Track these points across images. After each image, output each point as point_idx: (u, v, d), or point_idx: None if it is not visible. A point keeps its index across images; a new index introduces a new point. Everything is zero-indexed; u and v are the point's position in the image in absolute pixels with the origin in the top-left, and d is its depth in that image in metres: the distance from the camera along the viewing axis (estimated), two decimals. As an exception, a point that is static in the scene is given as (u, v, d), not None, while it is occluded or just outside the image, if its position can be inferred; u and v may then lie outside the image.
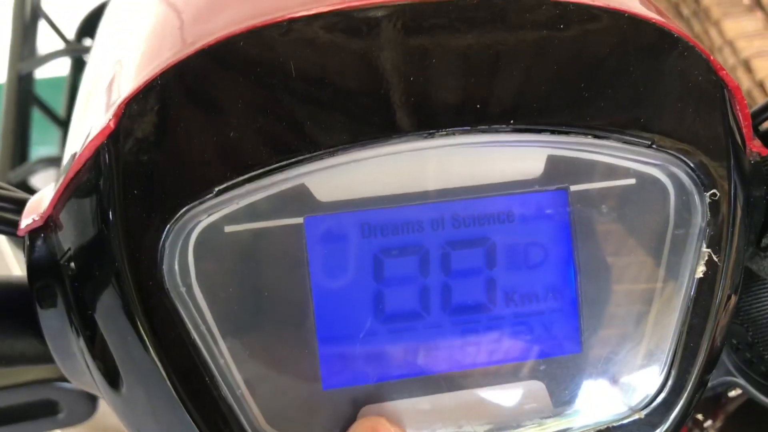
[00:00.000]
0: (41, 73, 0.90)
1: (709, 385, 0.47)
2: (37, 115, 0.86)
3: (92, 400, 0.56)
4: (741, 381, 0.46)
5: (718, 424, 0.56)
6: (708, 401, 0.55)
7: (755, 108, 0.45)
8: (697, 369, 0.34)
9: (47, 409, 0.56)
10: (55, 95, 0.94)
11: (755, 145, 0.38)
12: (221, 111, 0.30)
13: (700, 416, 0.56)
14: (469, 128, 0.31)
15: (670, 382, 0.34)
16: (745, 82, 1.29)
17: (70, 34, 0.95)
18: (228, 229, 0.31)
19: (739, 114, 0.35)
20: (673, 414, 0.34)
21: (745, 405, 0.60)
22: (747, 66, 1.35)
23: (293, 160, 0.30)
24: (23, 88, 0.85)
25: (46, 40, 0.93)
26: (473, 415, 0.33)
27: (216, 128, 0.29)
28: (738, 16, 1.43)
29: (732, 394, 0.55)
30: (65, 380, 0.54)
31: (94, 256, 0.31)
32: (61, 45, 0.90)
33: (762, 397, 0.46)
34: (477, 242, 0.33)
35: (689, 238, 0.34)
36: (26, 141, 0.82)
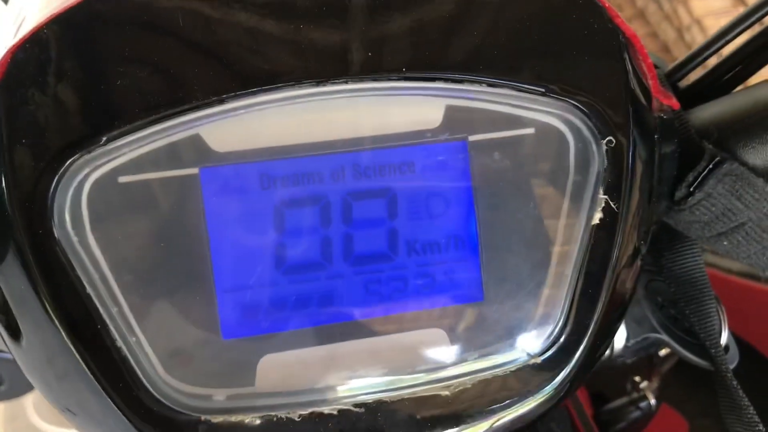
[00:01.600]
0: None
1: (636, 342, 0.48)
2: None
3: (33, 370, 0.56)
4: (666, 338, 0.47)
5: (654, 384, 0.57)
6: (641, 362, 0.56)
7: (672, 65, 0.45)
8: (596, 316, 0.34)
9: (-13, 381, 0.56)
10: None
11: (667, 100, 0.39)
12: (108, 59, 0.30)
13: (637, 378, 0.56)
14: (360, 76, 0.31)
15: (568, 329, 0.34)
16: (711, 59, 1.28)
17: None
18: (122, 179, 0.31)
19: (640, 65, 0.35)
20: (572, 360, 0.34)
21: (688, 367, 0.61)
22: (714, 43, 1.35)
23: (185, 107, 0.30)
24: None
25: None
26: (373, 363, 0.34)
27: (102, 76, 0.29)
28: (706, -6, 1.43)
29: (662, 353, 0.55)
30: (3, 351, 0.54)
31: (-13, 208, 0.31)
32: None
33: (686, 353, 0.46)
34: (378, 192, 0.33)
35: (587, 185, 0.34)
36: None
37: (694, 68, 0.44)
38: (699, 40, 1.33)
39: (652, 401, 0.55)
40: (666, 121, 0.38)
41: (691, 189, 0.39)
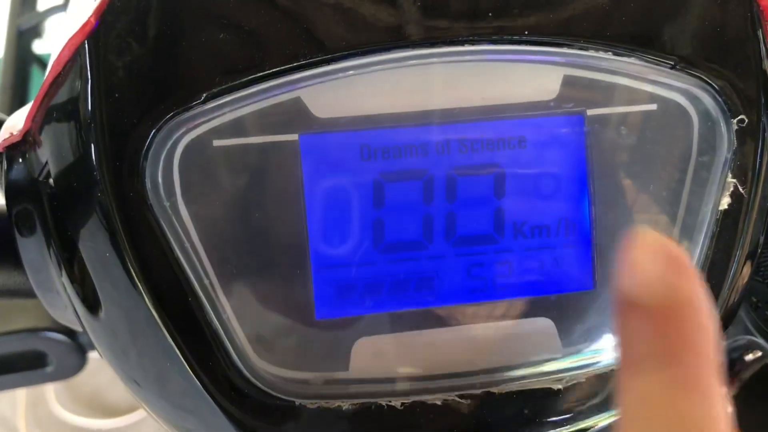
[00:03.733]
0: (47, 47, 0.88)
1: (726, 346, 0.45)
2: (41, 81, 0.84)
3: (81, 353, 0.54)
4: (762, 341, 0.44)
5: (733, 391, 0.53)
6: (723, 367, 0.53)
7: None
8: (720, 307, 0.32)
9: (36, 361, 0.54)
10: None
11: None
12: (211, 9, 0.27)
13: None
14: (479, 38, 0.29)
15: (689, 322, 0.31)
16: None
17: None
18: (217, 143, 0.29)
19: (771, 38, 0.32)
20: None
21: (757, 378, 0.58)
22: None
23: (287, 66, 0.28)
24: (22, 45, 0.83)
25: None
26: (476, 352, 0.31)
27: (205, 28, 0.27)
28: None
29: (749, 357, 0.52)
30: (54, 330, 0.52)
31: (72, 168, 0.28)
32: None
33: (781, 358, 0.43)
34: (485, 168, 0.31)
35: (714, 168, 0.31)
36: (25, 98, 0.79)
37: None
38: None
39: (729, 408, 0.52)
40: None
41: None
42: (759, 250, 0.34)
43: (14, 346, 0.52)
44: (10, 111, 0.33)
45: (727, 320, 0.33)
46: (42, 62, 0.88)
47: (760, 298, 0.44)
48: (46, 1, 0.88)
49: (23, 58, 0.81)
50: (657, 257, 0.26)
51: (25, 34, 0.81)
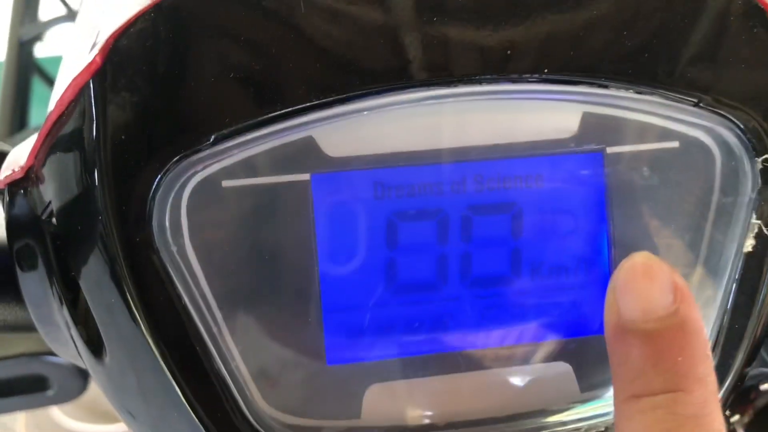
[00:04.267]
0: (48, 51, 0.87)
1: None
2: (42, 90, 0.83)
3: (83, 376, 0.53)
4: (777, 373, 0.43)
5: (746, 419, 0.53)
6: (737, 395, 0.52)
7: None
8: (741, 354, 0.31)
9: (37, 385, 0.53)
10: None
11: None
12: (221, 49, 0.26)
13: (727, 411, 0.52)
14: (495, 77, 0.28)
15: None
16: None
17: (75, 4, 0.92)
18: (226, 183, 0.28)
19: (796, 73, 0.31)
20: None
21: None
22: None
23: (299, 107, 0.27)
24: (24, 55, 0.82)
25: (50, 10, 0.90)
26: (491, 399, 0.30)
27: (215, 68, 0.26)
28: None
29: (764, 387, 0.51)
30: (56, 354, 0.51)
31: (77, 209, 0.28)
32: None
33: (798, 391, 0.43)
34: (502, 207, 0.30)
35: (737, 208, 0.30)
36: (26, 108, 0.79)
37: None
38: None
39: (734, 440, 0.51)
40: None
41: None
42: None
43: (15, 371, 0.51)
44: (11, 122, 0.32)
45: (751, 359, 0.32)
46: (42, 71, 0.87)
47: (776, 329, 0.43)
48: (49, 11, 0.87)
49: (25, 68, 0.80)
50: (663, 284, 0.26)
51: (26, 44, 0.80)
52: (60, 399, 0.54)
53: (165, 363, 0.27)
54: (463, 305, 0.30)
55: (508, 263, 0.30)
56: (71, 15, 0.87)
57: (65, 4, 0.88)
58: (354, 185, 0.29)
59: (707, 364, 0.26)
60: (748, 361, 0.31)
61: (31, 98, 0.82)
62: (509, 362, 0.30)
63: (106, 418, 1.21)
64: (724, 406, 0.32)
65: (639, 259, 0.27)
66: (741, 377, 0.31)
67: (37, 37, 0.83)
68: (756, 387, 0.51)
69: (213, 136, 0.26)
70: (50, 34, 0.86)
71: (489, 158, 0.29)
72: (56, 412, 1.21)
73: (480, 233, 0.30)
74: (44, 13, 0.87)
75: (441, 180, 0.29)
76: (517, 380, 0.30)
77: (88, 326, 0.29)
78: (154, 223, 0.27)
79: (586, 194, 0.30)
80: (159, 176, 0.26)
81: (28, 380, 0.52)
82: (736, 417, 0.51)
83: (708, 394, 0.26)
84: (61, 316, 0.30)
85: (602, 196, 0.30)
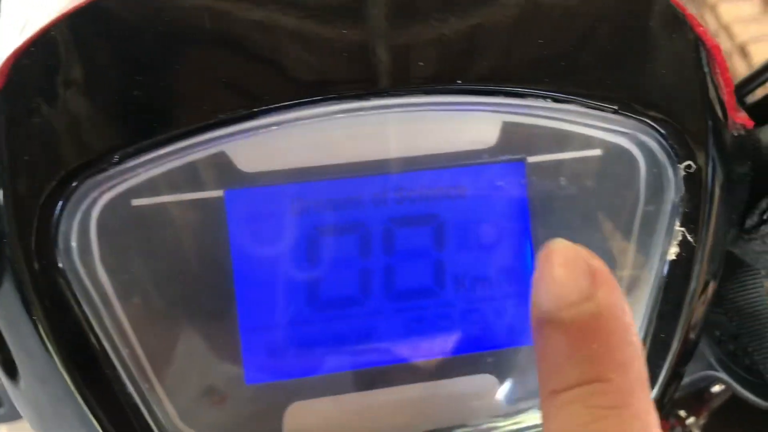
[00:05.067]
0: None
1: (691, 380, 0.44)
2: None
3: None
4: (723, 376, 0.43)
5: (702, 421, 0.52)
6: (690, 397, 0.52)
7: (740, 79, 0.41)
8: (669, 361, 0.30)
9: (-13, 403, 0.53)
10: None
11: (739, 117, 0.35)
12: (124, 66, 0.26)
13: (682, 413, 0.52)
14: (410, 88, 0.27)
15: (638, 377, 0.30)
16: (740, 67, 1.25)
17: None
18: (136, 202, 0.27)
19: (719, 78, 0.31)
20: (641, 412, 0.30)
21: (730, 402, 0.57)
22: (743, 51, 1.31)
23: (209, 122, 0.26)
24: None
25: None
26: (416, 414, 0.30)
27: (117, 86, 0.26)
28: (735, 0, 1.39)
29: (715, 389, 0.51)
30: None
31: (-20, 233, 0.27)
32: None
33: (745, 393, 0.42)
34: (423, 220, 0.30)
35: (661, 216, 0.30)
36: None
37: (764, 82, 0.40)
38: (727, 47, 1.29)
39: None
40: (739, 140, 0.33)
41: (765, 216, 0.35)
42: (711, 292, 0.32)
43: (-37, 389, 0.51)
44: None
45: (683, 361, 0.32)
46: None
47: (722, 332, 0.43)
48: None
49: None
50: (578, 269, 0.25)
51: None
52: (11, 417, 0.53)
53: (76, 387, 0.27)
54: (387, 319, 0.30)
55: (432, 275, 0.30)
56: None
57: None
58: (271, 201, 0.28)
59: (629, 349, 0.24)
60: (679, 365, 0.31)
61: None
62: (433, 376, 0.30)
63: None
64: (663, 410, 0.31)
65: (552, 246, 0.26)
66: (673, 379, 0.31)
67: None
68: (708, 389, 0.51)
69: (118, 155, 0.26)
70: None
71: (409, 170, 0.29)
72: None
73: (402, 246, 0.29)
74: None
75: (361, 193, 0.29)
76: (441, 394, 0.30)
77: (2, 350, 0.28)
78: (60, 245, 0.26)
79: (509, 204, 0.30)
80: (63, 198, 0.26)
81: (-23, 398, 0.52)
82: (692, 419, 0.51)
83: (630, 381, 0.23)
84: None
85: (525, 206, 0.30)
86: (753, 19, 1.36)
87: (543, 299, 0.25)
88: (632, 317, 0.24)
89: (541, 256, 0.25)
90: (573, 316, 0.24)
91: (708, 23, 1.42)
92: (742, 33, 1.30)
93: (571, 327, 0.24)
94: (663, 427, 0.54)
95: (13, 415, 0.53)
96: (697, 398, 0.52)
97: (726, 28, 1.36)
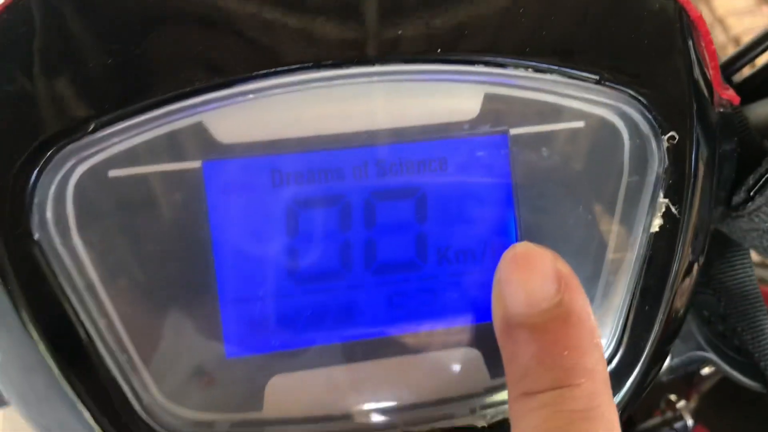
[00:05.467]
0: None
1: (680, 361, 0.44)
2: None
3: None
4: (712, 356, 0.43)
5: (692, 404, 0.52)
6: (680, 381, 0.52)
7: (726, 58, 0.41)
8: (653, 337, 0.30)
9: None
10: None
11: (726, 94, 0.34)
12: (100, 33, 0.26)
13: (673, 397, 0.52)
14: (390, 57, 0.27)
15: (621, 351, 0.30)
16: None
17: None
18: (112, 173, 0.27)
19: (703, 49, 0.31)
20: (625, 386, 0.30)
21: (719, 387, 0.56)
22: (737, 43, 1.31)
23: (186, 90, 0.26)
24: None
25: None
26: (397, 387, 0.30)
27: (92, 53, 0.25)
28: (729, -7, 1.39)
29: (705, 372, 0.51)
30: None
31: (-42, 204, 0.27)
32: None
33: (734, 373, 0.42)
34: (405, 192, 0.29)
35: (645, 188, 0.30)
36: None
37: (750, 61, 0.40)
38: (721, 39, 1.29)
39: (689, 422, 0.51)
40: (725, 117, 0.33)
41: (751, 194, 0.35)
42: (698, 267, 0.32)
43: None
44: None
45: (669, 337, 0.32)
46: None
47: (711, 312, 0.43)
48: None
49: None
50: (545, 273, 0.25)
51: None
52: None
53: (53, 359, 0.26)
54: (368, 292, 0.29)
55: (414, 248, 0.30)
56: None
57: None
58: (249, 172, 0.28)
59: (596, 354, 0.25)
60: (665, 341, 0.31)
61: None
62: (416, 349, 0.30)
63: None
64: (643, 385, 0.31)
65: (519, 249, 0.26)
66: (657, 356, 0.31)
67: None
68: (698, 372, 0.50)
69: (93, 124, 0.26)
70: None
71: (391, 142, 0.29)
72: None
73: (384, 219, 0.29)
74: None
75: (342, 166, 0.29)
76: (424, 367, 0.30)
77: (-22, 323, 0.28)
78: (35, 216, 0.26)
79: (492, 176, 0.30)
80: (38, 168, 0.26)
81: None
82: (682, 403, 0.51)
83: (597, 384, 0.25)
84: None
85: (508, 178, 0.29)
86: (747, 11, 1.36)
87: (511, 302, 0.26)
88: (595, 320, 0.25)
89: (508, 258, 0.26)
90: (545, 321, 0.25)
91: (703, 16, 1.41)
92: (736, 25, 1.30)
93: (542, 331, 0.25)
94: (653, 412, 0.53)
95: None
96: (687, 381, 0.52)
97: (720, 21, 1.36)
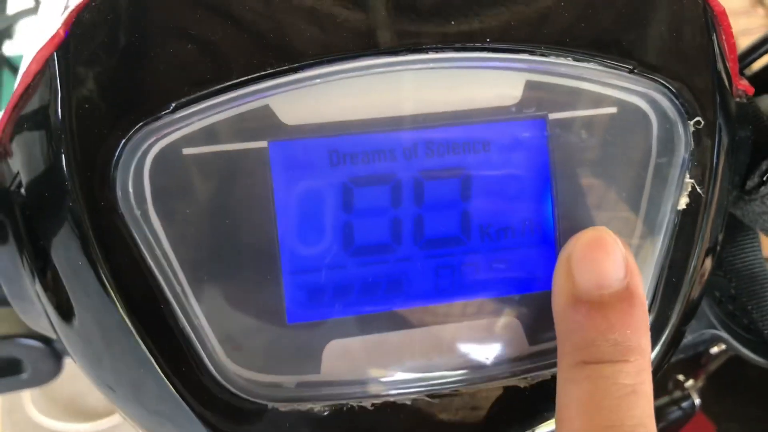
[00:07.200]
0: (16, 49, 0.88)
1: (691, 340, 0.46)
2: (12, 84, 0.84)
3: (57, 359, 0.54)
4: (723, 334, 0.45)
5: (699, 383, 0.55)
6: (689, 360, 0.54)
7: (740, 51, 0.43)
8: (678, 307, 0.33)
9: (11, 368, 0.54)
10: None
11: (742, 84, 0.37)
12: (181, 21, 0.28)
13: (681, 377, 0.54)
14: (444, 45, 0.29)
15: (651, 320, 0.32)
16: None
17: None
18: (186, 151, 0.29)
19: (724, 42, 0.33)
20: (653, 354, 0.32)
21: (725, 367, 0.59)
22: (732, 44, 1.34)
23: (255, 75, 0.28)
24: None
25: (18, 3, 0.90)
26: (443, 352, 0.32)
27: (173, 39, 0.28)
28: (724, -6, 1.41)
29: (714, 350, 0.53)
30: (29, 336, 0.52)
31: (44, 178, 0.29)
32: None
33: (745, 351, 0.45)
34: (451, 172, 0.32)
35: (672, 169, 0.32)
36: (-4, 102, 0.79)
37: (761, 56, 0.43)
38: (716, 40, 1.32)
39: (697, 401, 0.54)
40: (741, 106, 0.36)
41: (765, 178, 0.38)
42: (718, 247, 0.35)
43: (-11, 353, 0.52)
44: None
45: (689, 315, 0.34)
46: (12, 65, 0.88)
47: (722, 292, 0.45)
48: (16, 4, 0.88)
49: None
50: (617, 258, 0.28)
51: (-6, 37, 0.80)
52: (35, 382, 0.55)
53: (130, 321, 0.28)
54: (416, 265, 0.32)
55: (458, 225, 0.32)
56: (38, 8, 0.87)
57: (34, -2, 0.88)
58: (310, 152, 0.30)
59: (648, 336, 0.29)
60: (685, 318, 0.33)
61: (2, 92, 0.83)
62: (460, 318, 0.32)
63: (83, 417, 1.21)
64: (663, 362, 0.33)
65: (596, 233, 0.29)
66: (678, 333, 0.33)
67: (7, 30, 0.84)
68: (706, 352, 0.53)
69: (172, 105, 0.28)
70: (20, 28, 0.86)
71: (439, 125, 0.31)
72: (33, 412, 1.21)
73: (431, 197, 0.32)
74: (12, 7, 0.87)
75: (393, 147, 0.31)
76: (467, 334, 0.32)
77: (57, 291, 0.30)
78: (118, 188, 0.28)
79: (531, 158, 0.32)
80: (122, 143, 0.28)
81: (3, 363, 0.53)
82: (690, 382, 0.53)
83: (644, 363, 0.28)
84: (33, 289, 0.32)
85: (546, 160, 0.32)
86: (743, 12, 1.39)
87: (583, 279, 0.28)
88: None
89: (583, 239, 0.29)
90: (612, 300, 0.28)
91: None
92: (732, 26, 1.32)
93: (610, 309, 0.28)
94: (661, 392, 0.56)
95: (35, 381, 0.55)
96: (695, 361, 0.55)
97: (716, 22, 1.39)
